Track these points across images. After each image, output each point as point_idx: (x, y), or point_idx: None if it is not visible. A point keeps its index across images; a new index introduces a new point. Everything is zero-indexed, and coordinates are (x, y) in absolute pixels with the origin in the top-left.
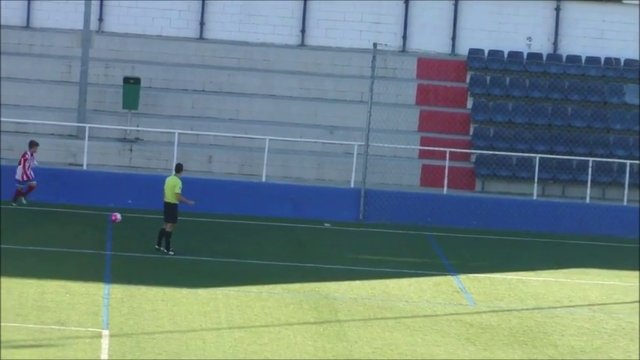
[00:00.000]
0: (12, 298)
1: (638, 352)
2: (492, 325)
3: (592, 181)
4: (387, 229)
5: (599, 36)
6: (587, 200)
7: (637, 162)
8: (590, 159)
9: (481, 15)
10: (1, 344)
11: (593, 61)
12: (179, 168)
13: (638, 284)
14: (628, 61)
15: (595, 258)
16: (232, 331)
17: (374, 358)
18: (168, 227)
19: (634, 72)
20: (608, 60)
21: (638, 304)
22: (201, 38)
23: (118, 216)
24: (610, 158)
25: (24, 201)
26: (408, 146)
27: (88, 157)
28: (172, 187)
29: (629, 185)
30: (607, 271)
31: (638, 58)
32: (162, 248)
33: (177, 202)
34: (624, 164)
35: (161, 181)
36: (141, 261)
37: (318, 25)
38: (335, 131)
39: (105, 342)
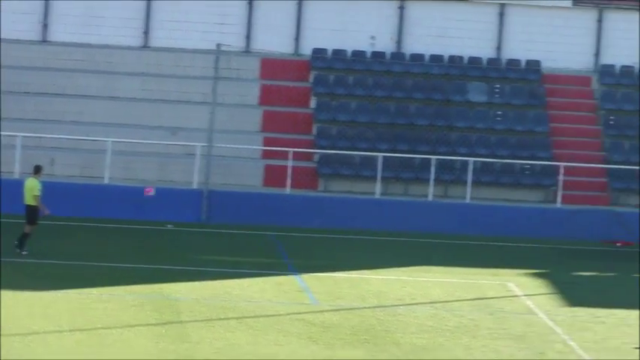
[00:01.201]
0: None
1: (479, 349)
2: (334, 324)
3: (435, 179)
4: (230, 229)
5: (442, 34)
6: (430, 198)
7: (480, 159)
8: (433, 157)
9: (325, 15)
10: None
11: (436, 59)
12: (37, 170)
13: (479, 282)
14: (472, 59)
15: (437, 256)
16: (74, 334)
17: (216, 359)
18: (27, 229)
19: (477, 70)
20: (451, 58)
21: (479, 301)
22: (44, 41)
23: (152, 190)
24: (452, 156)
25: None
26: (251, 147)
27: None
28: (31, 189)
29: (472, 183)
30: (449, 268)
31: (481, 56)
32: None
33: (36, 205)
34: (466, 162)
35: (6, 184)
36: None
37: (161, 26)
38: (178, 132)
39: None
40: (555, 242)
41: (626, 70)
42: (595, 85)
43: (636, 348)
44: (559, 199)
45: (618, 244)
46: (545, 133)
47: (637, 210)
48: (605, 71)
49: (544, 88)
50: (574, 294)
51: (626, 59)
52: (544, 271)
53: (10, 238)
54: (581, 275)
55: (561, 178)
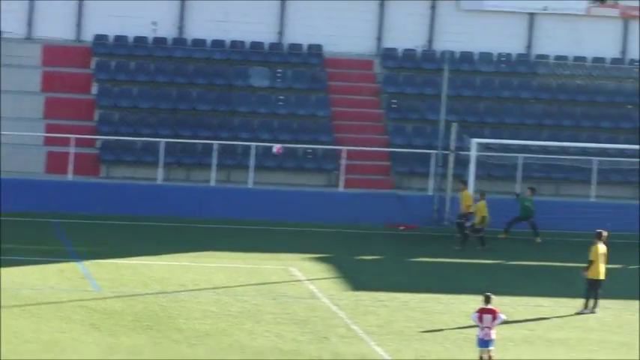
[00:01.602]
0: None
1: (262, 334)
2: (117, 311)
3: (217, 164)
4: (12, 217)
5: (224, 19)
6: (213, 183)
7: (261, 144)
8: (215, 142)
9: (106, 0)
10: None
11: (218, 44)
12: None
13: (262, 267)
14: (254, 44)
15: (220, 241)
16: None
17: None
18: None
19: (259, 54)
20: (233, 43)
21: (262, 286)
22: None
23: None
24: (235, 141)
25: None
26: (34, 133)
27: None
28: None
29: (254, 168)
30: (232, 253)
31: (263, 41)
32: None
33: None
34: (249, 147)
35: None
36: None
37: None
38: None
39: None
40: (339, 226)
41: (408, 54)
42: (377, 68)
43: None
44: (341, 183)
45: (401, 228)
46: (327, 117)
47: (421, 193)
48: (388, 55)
49: (326, 72)
50: (357, 278)
51: (409, 43)
52: (327, 255)
53: None
54: (364, 259)
55: (344, 162)
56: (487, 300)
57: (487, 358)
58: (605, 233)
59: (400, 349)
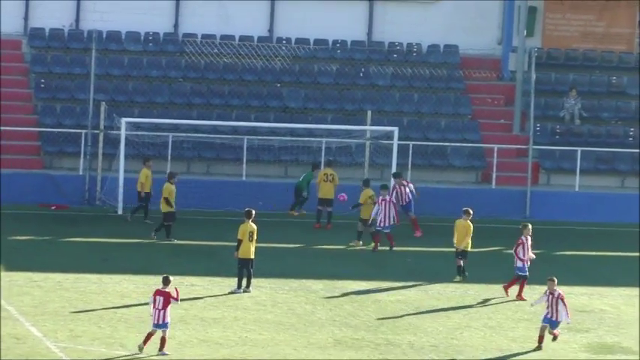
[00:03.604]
0: None
1: None
2: None
3: None
4: None
5: None
6: None
7: None
8: None
9: None
10: None
11: None
12: None
13: None
14: None
15: None
16: None
17: None
18: None
19: None
20: None
21: None
22: None
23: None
24: None
25: None
26: None
27: None
28: None
29: None
30: None
31: None
32: None
33: None
34: None
35: None
36: None
37: None
38: None
39: None
40: None
41: (56, 33)
42: (25, 48)
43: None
44: None
45: (53, 208)
46: None
47: (72, 173)
48: (35, 34)
49: None
50: (10, 259)
51: (55, 22)
52: None
53: None
54: (17, 239)
55: None
56: (165, 281)
57: (160, 337)
58: (253, 212)
59: (55, 329)
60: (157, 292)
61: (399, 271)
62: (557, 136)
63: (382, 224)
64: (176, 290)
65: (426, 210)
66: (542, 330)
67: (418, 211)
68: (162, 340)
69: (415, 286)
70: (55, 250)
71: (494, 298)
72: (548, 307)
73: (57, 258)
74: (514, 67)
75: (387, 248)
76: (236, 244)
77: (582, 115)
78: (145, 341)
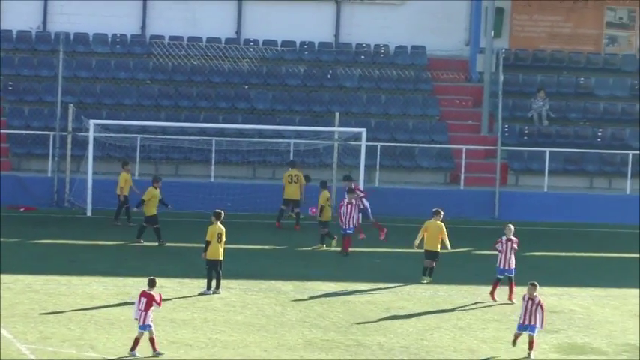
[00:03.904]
0: None
1: None
2: None
3: None
4: None
5: None
6: None
7: None
8: None
9: None
10: None
11: None
12: None
13: None
14: None
15: None
16: None
17: None
18: None
19: None
20: None
21: None
22: None
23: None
24: None
25: None
26: None
27: None
28: None
29: None
30: None
31: None
32: None
33: None
34: None
35: None
36: None
37: None
38: None
39: None
40: None
41: (23, 35)
42: None
43: None
44: None
45: (22, 210)
46: None
47: (40, 175)
48: (3, 37)
49: None
50: None
51: (23, 24)
52: None
53: None
54: None
55: None
56: (151, 283)
57: (149, 339)
58: (222, 213)
59: (25, 331)
60: (142, 294)
61: (369, 273)
62: (525, 137)
63: (346, 226)
64: (159, 295)
65: (395, 211)
66: (517, 336)
67: (386, 212)
68: (152, 341)
69: (385, 287)
70: (24, 252)
71: (463, 299)
72: (523, 314)
73: (26, 260)
74: (482, 69)
75: (341, 250)
76: (204, 245)
77: (550, 115)
78: (134, 347)
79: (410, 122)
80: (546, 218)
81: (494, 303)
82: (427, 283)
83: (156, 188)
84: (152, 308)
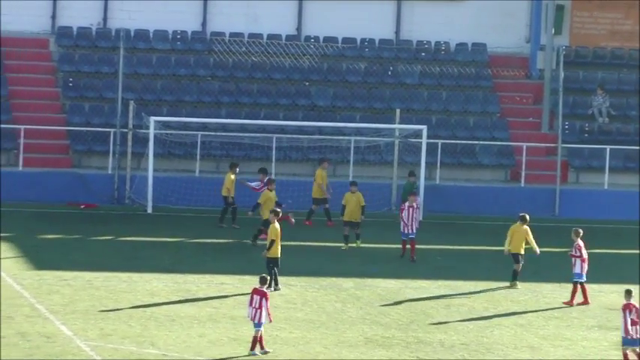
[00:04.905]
0: None
1: None
2: None
3: None
4: None
5: None
6: None
7: None
8: None
9: None
10: None
11: None
12: None
13: None
14: None
15: None
16: None
17: None
18: None
19: None
20: None
21: None
22: None
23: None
24: None
25: None
26: None
27: None
28: None
29: None
30: None
31: None
32: None
33: None
34: None
35: None
36: None
37: None
38: None
39: None
40: (18, 205)
41: (83, 32)
42: (53, 47)
43: None
44: (21, 162)
45: (82, 207)
46: (4, 96)
47: (101, 172)
48: (63, 33)
49: (1, 51)
50: (40, 257)
51: (84, 21)
52: (9, 234)
53: None
54: (46, 238)
55: (22, 141)
56: (263, 281)
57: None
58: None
59: (85, 328)
60: (255, 291)
61: (429, 270)
62: (585, 135)
63: (407, 230)
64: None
65: (455, 208)
66: (626, 354)
67: (447, 209)
68: (254, 340)
69: (445, 284)
70: (84, 249)
71: (523, 296)
72: (626, 325)
73: (86, 256)
74: (542, 66)
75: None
76: (267, 243)
77: (610, 113)
78: (253, 346)
79: (470, 119)
80: (606, 216)
81: (555, 300)
82: (514, 287)
83: (271, 190)
84: (267, 305)
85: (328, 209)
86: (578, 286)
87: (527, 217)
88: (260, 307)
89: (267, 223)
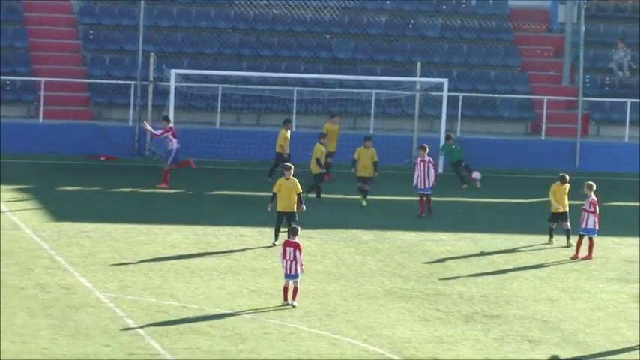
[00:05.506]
0: None
1: None
2: None
3: None
4: None
5: None
6: None
7: None
8: None
9: None
10: None
11: None
12: None
13: None
14: None
15: None
16: None
17: None
18: None
19: None
20: None
21: None
22: None
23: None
24: None
25: None
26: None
27: None
28: None
29: None
30: None
31: None
32: None
33: None
34: None
35: None
36: None
37: None
38: None
39: None
40: (38, 157)
41: None
42: None
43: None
44: (41, 114)
45: (102, 159)
46: (25, 48)
47: (121, 124)
48: None
49: (22, 4)
50: (59, 209)
51: None
52: (29, 186)
53: None
54: (66, 190)
55: (43, 93)
56: (294, 232)
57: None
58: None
59: (105, 280)
60: (287, 243)
61: (449, 222)
62: (606, 88)
63: (422, 186)
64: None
65: (476, 161)
66: None
67: (468, 162)
68: (295, 291)
69: (465, 237)
70: (104, 201)
71: (543, 249)
72: None
73: (106, 208)
74: (563, 19)
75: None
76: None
77: (631, 66)
78: (285, 297)
79: (491, 72)
80: (626, 169)
81: (574, 253)
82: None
83: (322, 145)
84: (301, 256)
85: (330, 163)
86: (584, 239)
87: (567, 177)
88: (294, 258)
89: (318, 178)
